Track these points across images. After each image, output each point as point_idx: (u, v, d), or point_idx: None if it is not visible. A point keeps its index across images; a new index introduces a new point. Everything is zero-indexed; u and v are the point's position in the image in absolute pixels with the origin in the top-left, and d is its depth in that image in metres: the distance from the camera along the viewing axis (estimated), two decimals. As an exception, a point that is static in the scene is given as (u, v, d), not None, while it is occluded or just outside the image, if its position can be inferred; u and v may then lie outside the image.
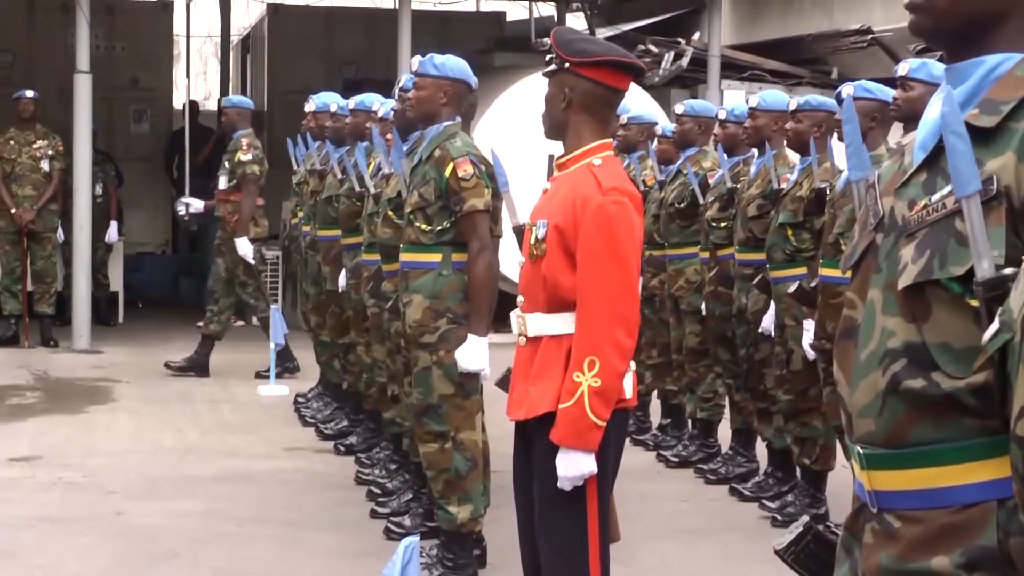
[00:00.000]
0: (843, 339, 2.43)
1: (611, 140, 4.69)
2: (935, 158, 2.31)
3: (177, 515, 7.60)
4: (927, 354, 2.24)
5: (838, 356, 2.45)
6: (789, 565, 2.80)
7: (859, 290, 2.42)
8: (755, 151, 8.21)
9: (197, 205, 12.32)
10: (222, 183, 11.56)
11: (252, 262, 11.45)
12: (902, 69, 6.60)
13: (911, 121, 6.48)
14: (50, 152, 13.41)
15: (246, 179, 11.34)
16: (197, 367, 11.80)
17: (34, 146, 13.38)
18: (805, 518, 2.85)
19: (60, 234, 13.51)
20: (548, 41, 4.71)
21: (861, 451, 2.35)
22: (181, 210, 12.39)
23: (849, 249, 2.49)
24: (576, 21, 18.78)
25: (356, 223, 8.36)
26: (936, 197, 2.27)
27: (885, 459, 2.31)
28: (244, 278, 11.59)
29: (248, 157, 11.33)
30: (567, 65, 4.50)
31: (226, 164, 11.52)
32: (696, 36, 14.79)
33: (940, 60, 7.10)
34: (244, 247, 11.27)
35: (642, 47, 14.75)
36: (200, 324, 14.76)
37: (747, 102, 8.94)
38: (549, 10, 18.59)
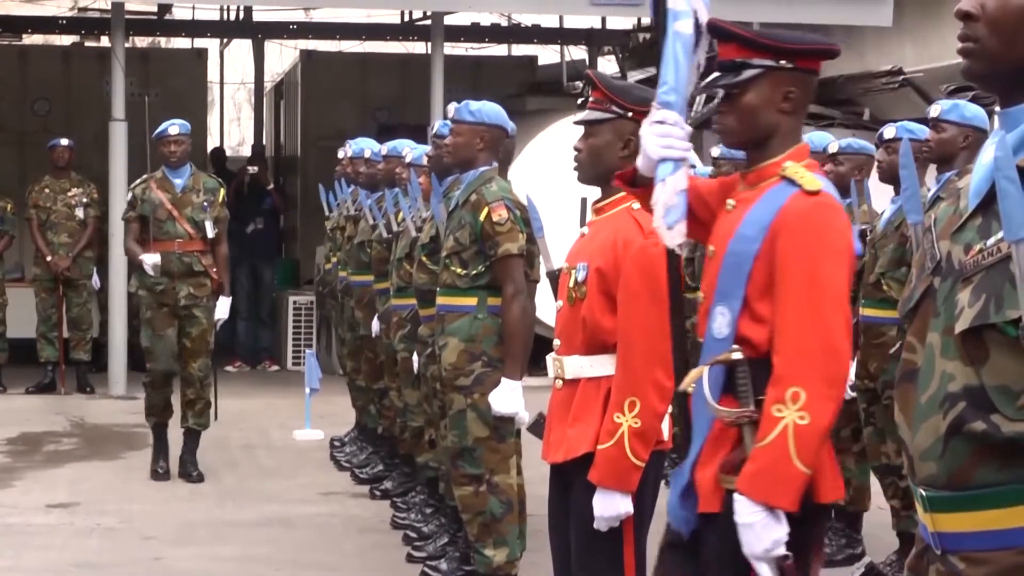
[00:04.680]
0: (903, 383, 2.44)
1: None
2: (990, 202, 2.30)
3: (214, 560, 7.62)
4: (986, 397, 2.25)
5: (899, 400, 2.45)
6: None
7: (918, 334, 2.42)
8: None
9: (155, 258, 9.23)
10: (209, 230, 9.42)
11: (216, 329, 9.69)
12: (934, 111, 6.62)
13: (944, 163, 6.50)
14: (85, 200, 13.46)
15: (226, 226, 9.82)
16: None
17: (69, 194, 13.45)
18: (867, 559, 2.86)
19: (96, 281, 13.55)
20: (580, 85, 4.69)
21: (924, 493, 2.35)
22: (151, 272, 9.31)
23: (907, 293, 2.49)
24: (607, 64, 18.85)
25: (387, 269, 8.39)
26: (991, 241, 2.28)
27: (949, 501, 2.31)
28: (211, 347, 9.60)
29: (225, 198, 9.83)
30: (630, 114, 4.48)
31: (206, 207, 9.51)
32: (728, 78, 14.81)
33: (973, 101, 7.16)
34: (224, 308, 9.62)
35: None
36: (231, 368, 14.83)
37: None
38: (580, 54, 18.65)
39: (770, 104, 3.68)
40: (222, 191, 9.72)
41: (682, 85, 3.84)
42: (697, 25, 3.90)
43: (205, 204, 9.49)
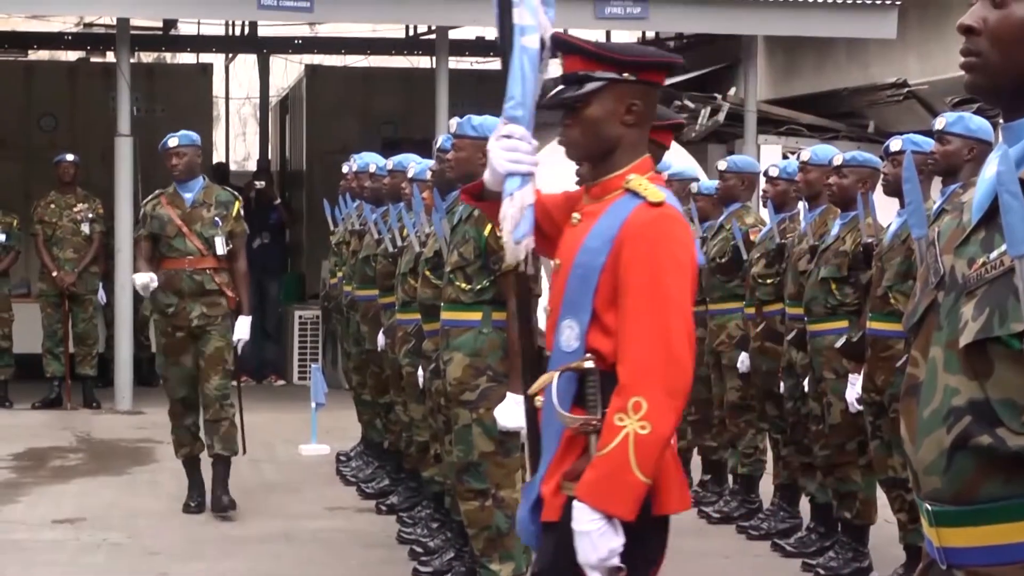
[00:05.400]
0: (907, 397, 2.43)
1: (652, 160, 4.70)
2: (992, 216, 2.30)
3: (222, 573, 7.62)
4: (991, 411, 2.25)
5: (903, 414, 2.44)
6: None
7: (921, 348, 2.42)
8: (801, 207, 8.21)
9: (143, 279, 8.82)
10: (219, 246, 8.83)
11: (239, 352, 9.11)
12: (939, 123, 6.61)
13: (949, 175, 6.50)
14: (90, 215, 13.48)
15: (243, 241, 9.16)
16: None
17: (74, 209, 13.48)
18: (874, 574, 2.85)
19: (102, 296, 13.56)
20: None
21: (929, 508, 2.35)
22: (148, 292, 8.90)
23: (911, 307, 2.49)
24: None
25: (392, 283, 8.38)
26: (994, 255, 2.28)
27: (954, 516, 2.31)
28: (231, 368, 9.07)
29: (241, 212, 9.14)
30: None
31: (218, 221, 8.92)
32: (732, 91, 14.83)
33: (977, 113, 7.14)
34: (244, 328, 9.00)
35: (678, 103, 14.79)
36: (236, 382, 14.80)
37: (785, 156, 8.95)
38: (585, 67, 18.65)
39: (613, 116, 3.67)
40: (237, 204, 9.09)
41: (529, 99, 3.85)
42: (543, 40, 3.89)
43: (216, 219, 8.90)
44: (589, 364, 3.53)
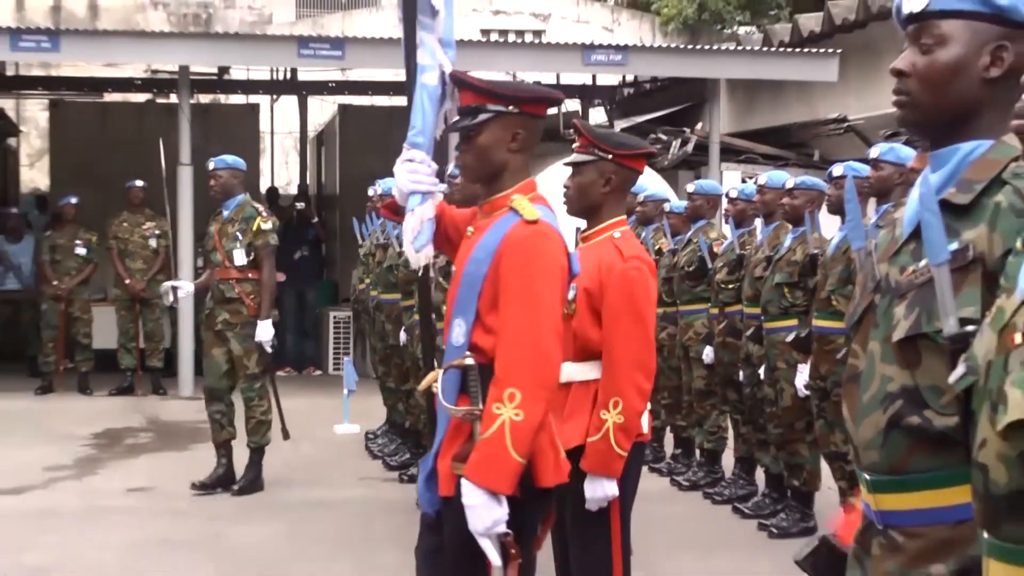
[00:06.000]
0: (849, 383, 2.44)
1: (626, 216, 4.70)
2: (919, 230, 2.31)
3: (267, 536, 7.62)
4: (920, 395, 2.26)
5: (846, 398, 2.45)
6: (808, 572, 2.80)
7: (861, 342, 2.42)
8: (758, 223, 8.23)
9: (187, 288, 8.79)
10: (238, 258, 8.54)
11: (268, 351, 8.60)
12: (874, 152, 6.62)
13: (882, 196, 6.51)
14: (157, 232, 13.50)
15: (267, 252, 8.58)
16: (223, 482, 8.77)
17: (143, 227, 13.51)
18: (820, 533, 2.84)
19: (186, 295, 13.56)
20: (572, 133, 4.64)
21: (868, 477, 2.36)
22: (168, 299, 8.68)
23: (852, 308, 2.49)
24: (597, 115, 18.85)
25: (411, 288, 8.38)
26: (922, 264, 2.28)
27: (889, 484, 2.32)
28: (255, 370, 8.62)
29: (268, 226, 8.59)
30: (611, 156, 4.43)
31: (239, 236, 8.57)
32: (699, 125, 14.82)
33: (906, 143, 7.13)
34: (266, 332, 8.49)
35: (653, 135, 14.79)
36: (281, 373, 14.84)
37: (744, 181, 8.95)
38: (574, 106, 18.66)
39: (501, 143, 3.67)
40: (258, 220, 8.59)
41: (428, 128, 3.87)
42: (443, 76, 3.89)
43: (237, 233, 8.57)
44: (469, 361, 3.54)
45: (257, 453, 8.82)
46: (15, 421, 11.81)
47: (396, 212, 3.95)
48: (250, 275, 8.57)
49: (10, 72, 17.58)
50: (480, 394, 3.52)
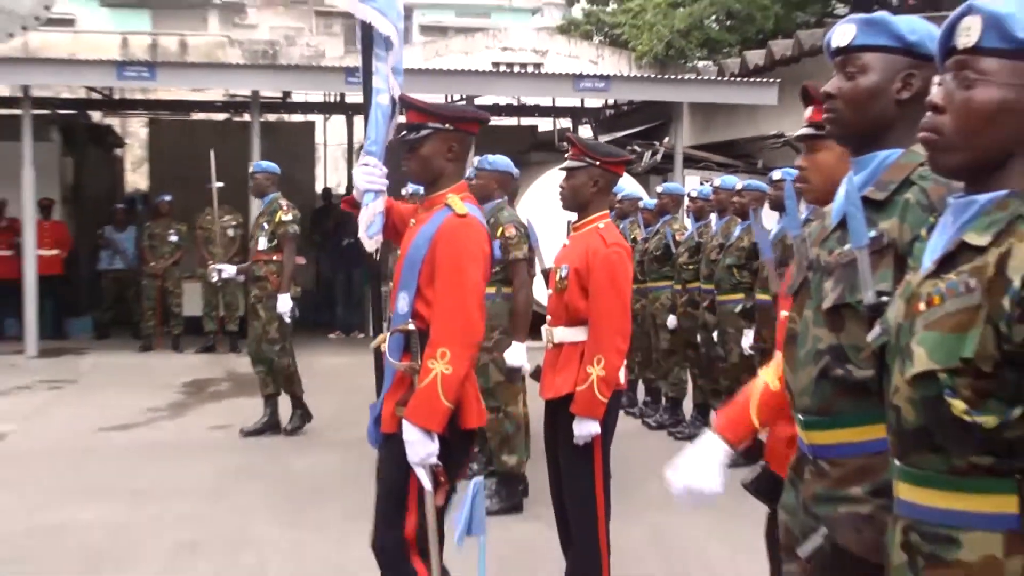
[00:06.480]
0: (788, 343, 2.43)
1: (608, 211, 4.69)
2: (844, 221, 2.31)
3: (321, 464, 7.64)
4: (843, 352, 2.26)
5: (785, 354, 2.44)
6: (752, 494, 2.81)
7: (798, 310, 2.42)
8: (713, 217, 8.22)
9: (229, 270, 8.76)
10: (262, 244, 8.52)
11: (288, 320, 8.43)
12: (776, 175, 6.65)
13: (781, 208, 6.49)
14: (233, 223, 13.48)
15: (287, 238, 8.42)
16: (270, 427, 8.70)
17: (223, 220, 13.48)
18: (762, 463, 2.85)
19: (241, 278, 13.52)
20: (566, 145, 4.64)
21: (802, 418, 2.35)
22: (214, 277, 8.82)
23: (791, 282, 2.48)
24: (584, 130, 18.82)
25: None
26: (846, 247, 2.28)
27: (818, 423, 2.31)
28: (274, 335, 8.47)
29: (289, 217, 8.45)
30: (598, 163, 4.45)
31: (265, 226, 8.54)
32: (666, 139, 14.78)
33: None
34: (284, 304, 8.35)
35: (630, 147, 14.75)
36: (332, 335, 14.86)
37: (701, 183, 8.92)
38: (566, 123, 18.63)
39: (439, 154, 3.65)
40: (279, 213, 8.43)
41: (380, 139, 3.84)
42: (393, 99, 3.86)
43: (264, 224, 8.50)
44: (411, 327, 3.53)
45: (296, 400, 8.69)
46: (123, 373, 11.85)
47: (354, 206, 3.93)
48: (274, 257, 8.46)
49: (117, 96, 17.55)
50: (419, 353, 3.51)
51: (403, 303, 3.58)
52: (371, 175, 3.76)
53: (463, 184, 3.72)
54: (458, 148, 3.68)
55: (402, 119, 3.84)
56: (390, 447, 3.54)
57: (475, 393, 3.60)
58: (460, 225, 3.54)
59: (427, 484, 3.45)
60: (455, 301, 3.46)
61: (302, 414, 8.76)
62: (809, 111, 3.05)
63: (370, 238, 3.79)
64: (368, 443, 3.75)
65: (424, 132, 3.65)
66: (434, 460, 3.44)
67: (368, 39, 3.91)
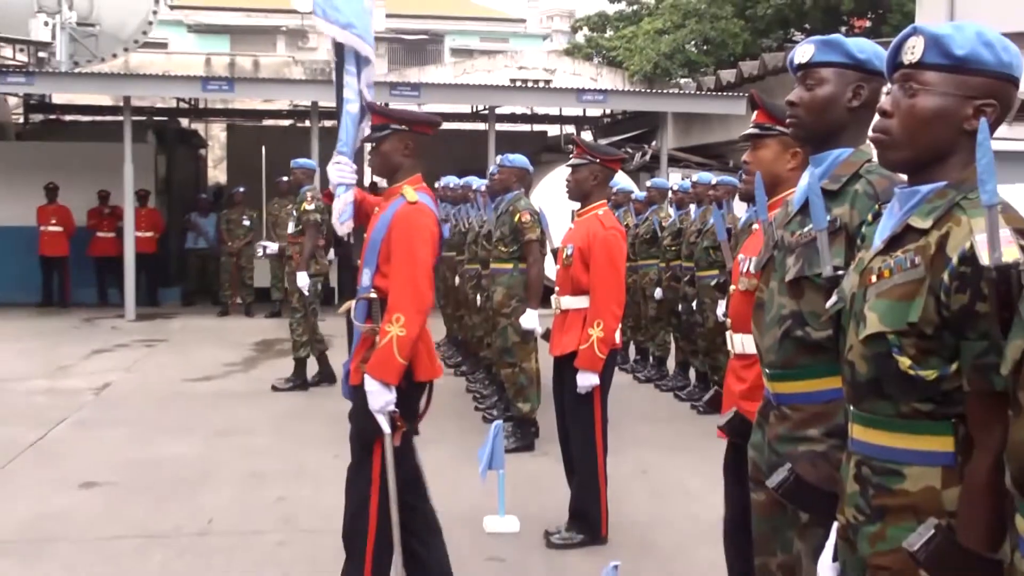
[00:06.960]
0: (757, 310, 2.42)
1: (606, 201, 4.67)
2: (804, 207, 2.31)
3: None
4: (803, 317, 2.25)
5: (754, 319, 2.43)
6: (727, 435, 2.80)
7: (765, 281, 2.41)
8: (692, 207, 8.17)
9: (272, 247, 8.79)
10: (290, 228, 8.53)
11: (307, 294, 8.27)
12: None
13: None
14: (296, 211, 13.44)
15: (308, 224, 8.24)
16: (298, 385, 8.49)
17: (288, 208, 13.34)
18: (734, 409, 2.83)
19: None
20: (570, 145, 4.62)
21: (768, 372, 2.35)
22: (259, 252, 8.83)
23: (760, 258, 2.47)
24: (586, 135, 18.73)
25: (463, 248, 8.35)
26: (806, 229, 2.28)
27: (781, 376, 2.30)
28: (296, 305, 8.38)
29: (311, 207, 8.25)
30: (598, 161, 4.43)
31: (294, 213, 8.51)
32: (654, 143, 14.71)
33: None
34: (302, 280, 8.18)
35: (624, 149, 14.68)
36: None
37: (683, 179, 8.86)
38: (571, 128, 18.53)
39: (397, 151, 3.57)
40: (304, 203, 8.29)
41: (350, 141, 3.76)
42: (362, 104, 3.77)
43: (292, 211, 8.49)
44: (373, 296, 3.48)
45: (321, 359, 8.50)
46: (205, 334, 11.87)
47: (330, 197, 3.88)
48: (299, 240, 8.38)
49: (201, 105, 17.56)
50: (379, 317, 3.46)
51: (366, 277, 3.53)
52: (343, 171, 3.70)
53: (418, 176, 3.64)
54: (413, 146, 3.60)
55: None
56: (357, 397, 3.50)
57: (427, 351, 3.55)
58: (412, 211, 3.48)
59: (386, 428, 3.42)
60: (407, 275, 3.41)
61: (324, 372, 8.53)
62: (755, 114, 2.97)
63: (342, 223, 3.73)
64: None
65: (384, 132, 3.58)
66: (392, 408, 3.40)
67: (339, 58, 3.84)
